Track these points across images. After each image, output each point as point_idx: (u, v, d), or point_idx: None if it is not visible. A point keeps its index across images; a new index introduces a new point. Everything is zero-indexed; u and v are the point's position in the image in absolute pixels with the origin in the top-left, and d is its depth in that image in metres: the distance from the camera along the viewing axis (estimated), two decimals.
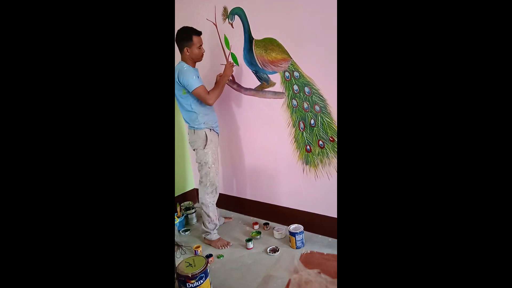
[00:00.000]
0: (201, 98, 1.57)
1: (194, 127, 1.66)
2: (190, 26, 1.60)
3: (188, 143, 1.81)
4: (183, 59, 1.60)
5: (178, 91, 1.59)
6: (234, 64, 1.74)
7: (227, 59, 1.87)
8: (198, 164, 1.70)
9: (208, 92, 1.58)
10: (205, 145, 1.65)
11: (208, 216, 1.71)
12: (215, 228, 1.75)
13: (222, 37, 1.88)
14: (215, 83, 1.68)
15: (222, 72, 1.68)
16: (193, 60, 1.62)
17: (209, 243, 1.75)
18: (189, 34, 1.56)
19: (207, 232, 1.75)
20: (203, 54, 1.63)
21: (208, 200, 1.71)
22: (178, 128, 2.25)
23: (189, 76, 1.53)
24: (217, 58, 1.94)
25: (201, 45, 1.60)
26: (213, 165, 1.68)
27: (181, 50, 1.59)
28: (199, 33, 1.59)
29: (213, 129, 1.68)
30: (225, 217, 2.06)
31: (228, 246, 1.71)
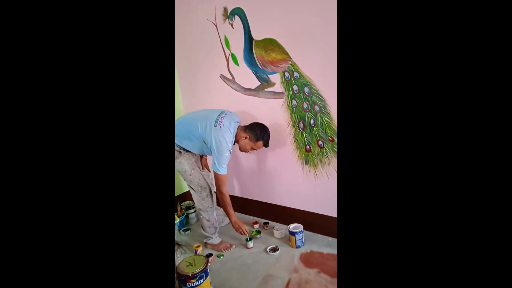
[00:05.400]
0: (216, 181, 1.58)
1: None
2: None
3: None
4: (237, 137, 1.60)
5: (203, 133, 1.55)
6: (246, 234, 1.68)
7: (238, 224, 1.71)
8: (181, 175, 1.70)
9: (223, 189, 1.58)
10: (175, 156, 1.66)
11: (208, 220, 1.69)
12: (215, 231, 1.72)
13: (222, 37, 1.88)
14: (229, 211, 1.65)
15: (238, 223, 1.67)
16: (237, 143, 1.63)
17: (212, 247, 1.71)
18: (264, 137, 1.57)
19: (208, 237, 1.72)
20: (247, 150, 1.63)
21: (206, 205, 1.67)
22: None
23: (223, 159, 1.52)
24: (217, 59, 1.95)
25: (254, 149, 1.62)
26: (193, 171, 1.66)
27: (244, 134, 1.58)
28: (266, 145, 1.61)
29: (181, 148, 1.69)
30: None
31: (231, 249, 1.70)
